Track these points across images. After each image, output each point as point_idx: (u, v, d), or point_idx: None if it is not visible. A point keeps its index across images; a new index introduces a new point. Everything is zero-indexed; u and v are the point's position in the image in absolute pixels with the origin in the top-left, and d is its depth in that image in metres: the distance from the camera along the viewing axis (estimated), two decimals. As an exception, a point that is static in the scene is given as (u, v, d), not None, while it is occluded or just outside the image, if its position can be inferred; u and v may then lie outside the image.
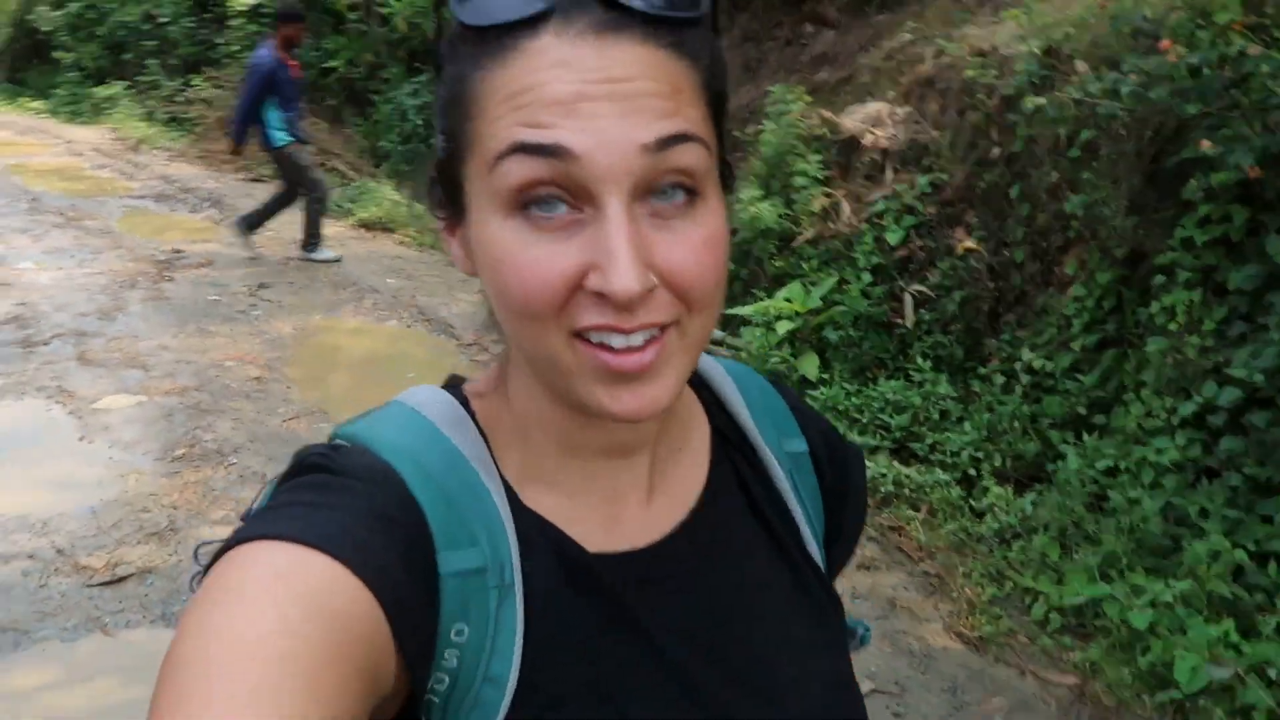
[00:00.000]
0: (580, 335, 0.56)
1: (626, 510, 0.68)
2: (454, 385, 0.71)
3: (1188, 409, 3.58)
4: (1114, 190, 4.24)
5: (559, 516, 0.65)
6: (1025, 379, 4.47)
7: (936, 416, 4.54)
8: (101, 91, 14.09)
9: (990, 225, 5.04)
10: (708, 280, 0.57)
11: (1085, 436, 3.99)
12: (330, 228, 7.91)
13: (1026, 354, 4.52)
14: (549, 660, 0.60)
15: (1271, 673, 2.70)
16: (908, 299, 5.13)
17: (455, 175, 0.59)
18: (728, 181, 0.63)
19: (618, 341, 0.55)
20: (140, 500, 3.74)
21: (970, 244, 5.05)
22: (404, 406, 0.66)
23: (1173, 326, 3.81)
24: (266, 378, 4.98)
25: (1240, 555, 3.08)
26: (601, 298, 0.54)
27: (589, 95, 0.52)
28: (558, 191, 0.53)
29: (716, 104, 0.60)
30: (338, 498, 0.57)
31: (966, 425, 4.44)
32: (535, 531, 0.63)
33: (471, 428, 0.65)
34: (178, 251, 7.00)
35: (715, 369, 0.78)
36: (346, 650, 0.50)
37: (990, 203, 5.07)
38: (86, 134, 12.00)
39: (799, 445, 0.78)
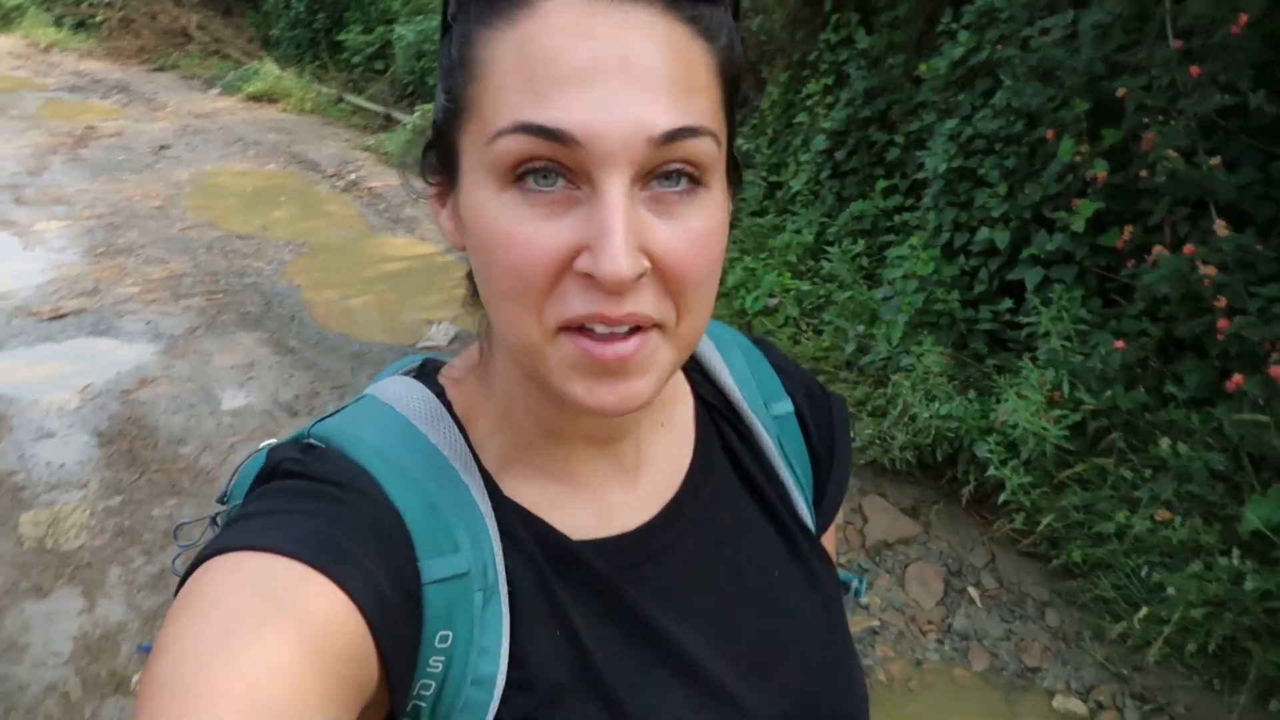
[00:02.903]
0: (562, 328, 0.54)
1: (613, 495, 0.67)
2: (427, 372, 0.69)
3: (818, 144, 5.08)
4: (780, 10, 5.71)
5: (543, 505, 0.64)
6: (735, 161, 6.00)
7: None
8: (9, 1, 14.89)
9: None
10: (700, 271, 0.55)
11: (756, 192, 5.54)
12: (223, 101, 9.19)
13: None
14: (539, 656, 0.59)
15: (797, 295, 4.31)
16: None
17: (452, 140, 0.56)
18: (735, 175, 0.60)
19: (600, 329, 0.53)
20: (72, 277, 5.19)
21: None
22: (377, 402, 0.64)
23: (811, 103, 5.32)
24: (166, 206, 6.38)
25: (809, 239, 4.67)
26: (589, 281, 0.52)
27: (603, 70, 0.50)
28: (556, 167, 0.52)
29: (730, 91, 0.57)
30: (316, 505, 0.55)
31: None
32: (518, 525, 0.62)
33: (449, 421, 0.64)
34: (91, 128, 8.25)
35: None
36: (331, 661, 0.49)
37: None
38: (1, 42, 12.93)
39: (784, 406, 0.76)
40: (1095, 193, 3.34)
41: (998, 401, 3.17)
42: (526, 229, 0.52)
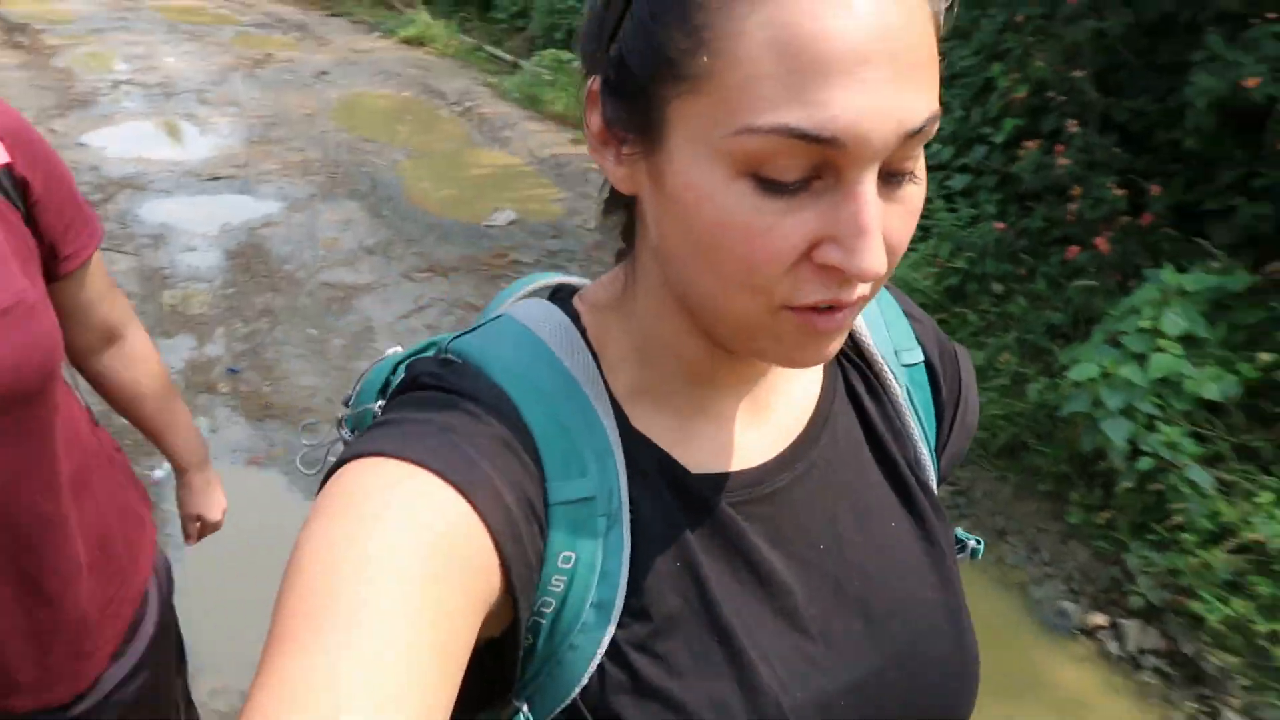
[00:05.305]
0: (785, 306, 0.53)
1: (739, 433, 0.67)
2: (562, 296, 0.69)
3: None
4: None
5: (669, 438, 0.64)
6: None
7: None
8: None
9: None
10: (907, 244, 0.54)
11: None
12: (380, 42, 10.52)
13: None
14: (655, 584, 0.60)
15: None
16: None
17: (654, 97, 0.51)
18: None
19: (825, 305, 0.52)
20: (230, 155, 6.47)
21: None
22: (515, 323, 0.64)
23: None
24: (315, 115, 7.64)
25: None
26: (829, 270, 0.50)
27: (870, 58, 0.46)
28: (805, 163, 0.48)
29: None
30: (452, 418, 0.56)
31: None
32: (644, 455, 0.63)
33: (583, 348, 0.64)
34: (268, 54, 9.70)
35: None
36: (457, 571, 0.50)
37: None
38: (210, -11, 14.84)
39: (915, 355, 0.75)
40: (1015, 113, 4.01)
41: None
42: (767, 221, 0.49)
